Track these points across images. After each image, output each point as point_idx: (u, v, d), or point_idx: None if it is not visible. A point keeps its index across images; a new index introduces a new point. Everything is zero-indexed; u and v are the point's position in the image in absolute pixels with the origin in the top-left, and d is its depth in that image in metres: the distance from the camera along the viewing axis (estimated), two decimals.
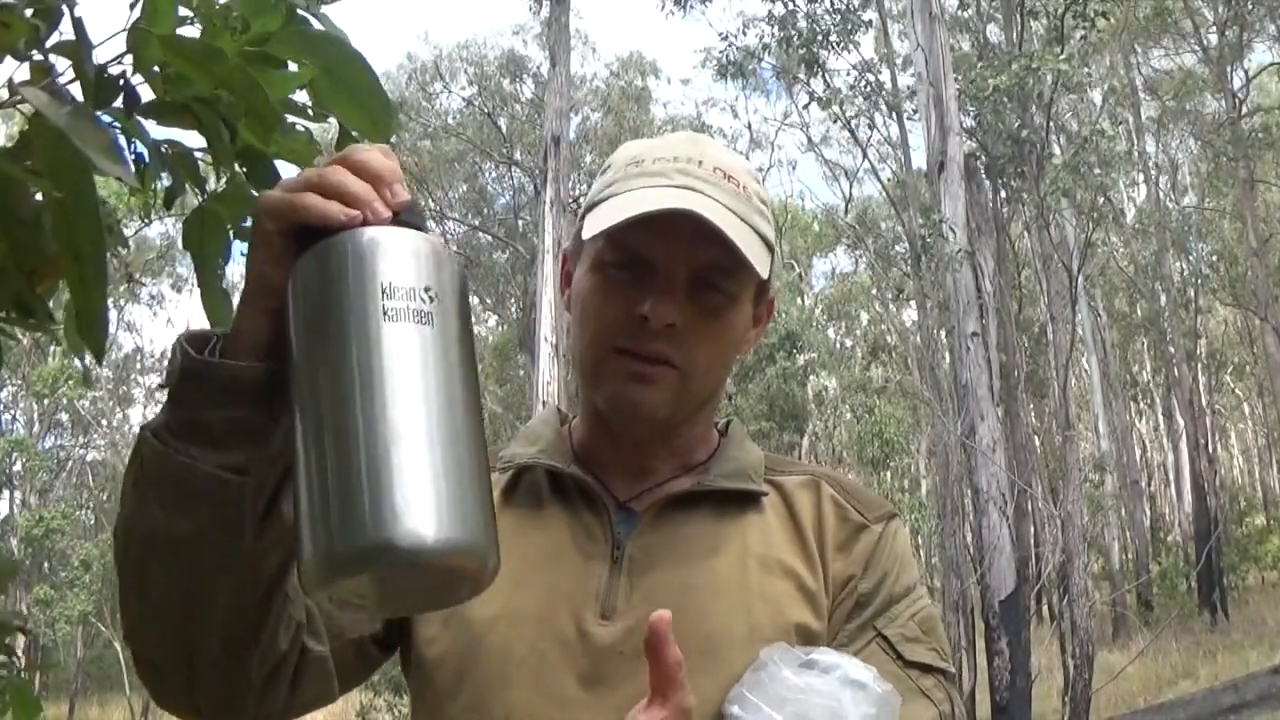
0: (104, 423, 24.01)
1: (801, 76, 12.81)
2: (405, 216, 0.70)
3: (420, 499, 0.60)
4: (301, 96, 1.10)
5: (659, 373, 0.94)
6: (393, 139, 1.14)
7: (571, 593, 0.94)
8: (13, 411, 23.76)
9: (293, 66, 1.02)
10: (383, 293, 0.65)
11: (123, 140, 1.14)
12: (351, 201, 0.68)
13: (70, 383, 18.90)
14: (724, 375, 1.03)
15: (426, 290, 0.66)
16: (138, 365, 24.96)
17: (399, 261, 0.67)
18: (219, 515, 0.75)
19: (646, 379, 0.94)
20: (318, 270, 0.67)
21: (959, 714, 0.95)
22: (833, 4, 12.12)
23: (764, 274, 0.94)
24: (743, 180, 0.98)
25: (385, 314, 0.65)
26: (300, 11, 1.02)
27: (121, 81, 1.03)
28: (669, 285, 0.93)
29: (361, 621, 0.94)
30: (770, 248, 0.97)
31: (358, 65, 0.97)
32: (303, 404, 0.66)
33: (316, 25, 1.03)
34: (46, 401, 20.85)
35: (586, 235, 0.95)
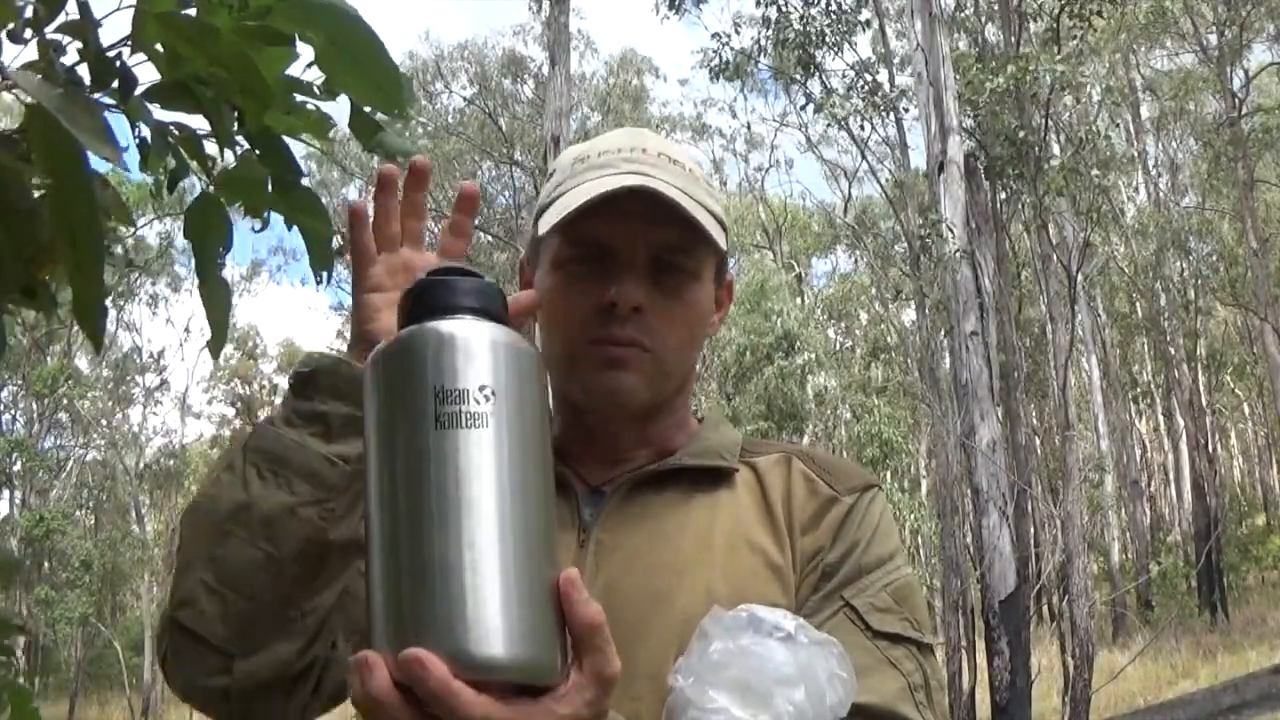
0: (104, 423, 24.02)
1: (798, 77, 12.81)
2: (466, 301, 0.67)
3: (468, 617, 0.59)
4: (312, 74, 1.08)
5: (632, 355, 0.95)
6: (410, 111, 1.13)
7: None
8: (13, 411, 23.76)
9: (301, 43, 1.01)
10: (435, 398, 0.63)
11: (126, 124, 1.13)
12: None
13: (70, 383, 18.91)
14: (695, 355, 1.03)
15: (482, 389, 0.63)
16: (135, 365, 24.95)
17: (452, 360, 0.64)
18: (316, 496, 0.80)
19: (621, 363, 0.95)
20: (376, 372, 0.66)
21: (934, 685, 0.93)
22: (827, 6, 12.11)
23: (722, 244, 0.96)
24: (688, 164, 1.00)
25: (437, 421, 0.62)
26: None
27: (118, 64, 1.03)
28: (630, 268, 0.95)
29: None
30: (722, 225, 0.99)
31: (362, 35, 0.95)
32: (369, 498, 0.65)
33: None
34: (46, 401, 20.85)
35: (542, 229, 0.97)
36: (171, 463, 26.26)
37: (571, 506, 0.97)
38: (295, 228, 1.24)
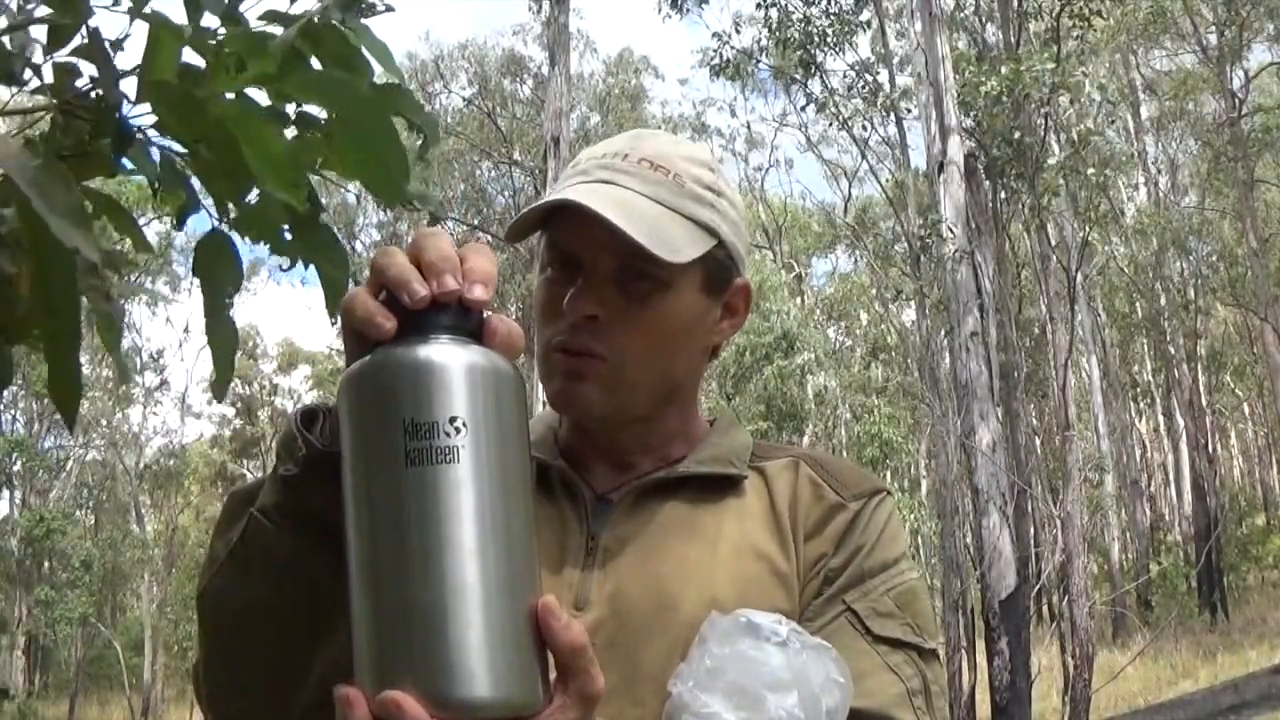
0: (104, 423, 24.00)
1: (798, 77, 12.81)
2: (445, 320, 0.64)
3: (446, 660, 0.59)
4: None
5: (587, 365, 0.95)
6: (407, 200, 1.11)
7: (549, 586, 0.94)
8: (13, 411, 23.75)
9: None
10: (405, 433, 0.61)
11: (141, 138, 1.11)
12: (399, 288, 0.65)
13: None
14: (670, 364, 1.00)
15: (452, 421, 0.61)
16: (135, 365, 24.93)
17: (423, 390, 0.62)
18: (323, 601, 0.76)
19: (577, 374, 0.95)
20: (347, 402, 0.64)
21: (934, 690, 0.93)
22: (828, 6, 12.11)
23: (675, 257, 0.92)
24: (676, 168, 0.97)
25: (408, 458, 0.60)
26: (335, 24, 0.98)
27: (118, 116, 1.01)
28: (591, 278, 0.94)
29: None
30: (711, 232, 0.96)
31: (375, 115, 0.90)
32: (348, 530, 0.64)
33: (352, 37, 0.98)
34: (46, 401, 20.83)
35: (508, 241, 1.01)
36: (171, 463, 26.26)
37: (580, 514, 0.97)
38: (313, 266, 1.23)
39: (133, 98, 1.00)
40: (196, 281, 1.15)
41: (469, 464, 0.61)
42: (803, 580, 0.95)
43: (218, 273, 1.15)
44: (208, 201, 1.19)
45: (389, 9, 1.18)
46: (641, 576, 0.93)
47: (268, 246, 1.20)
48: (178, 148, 1.10)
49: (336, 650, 0.78)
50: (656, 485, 0.98)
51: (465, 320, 0.65)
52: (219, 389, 1.21)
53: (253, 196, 1.16)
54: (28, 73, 1.04)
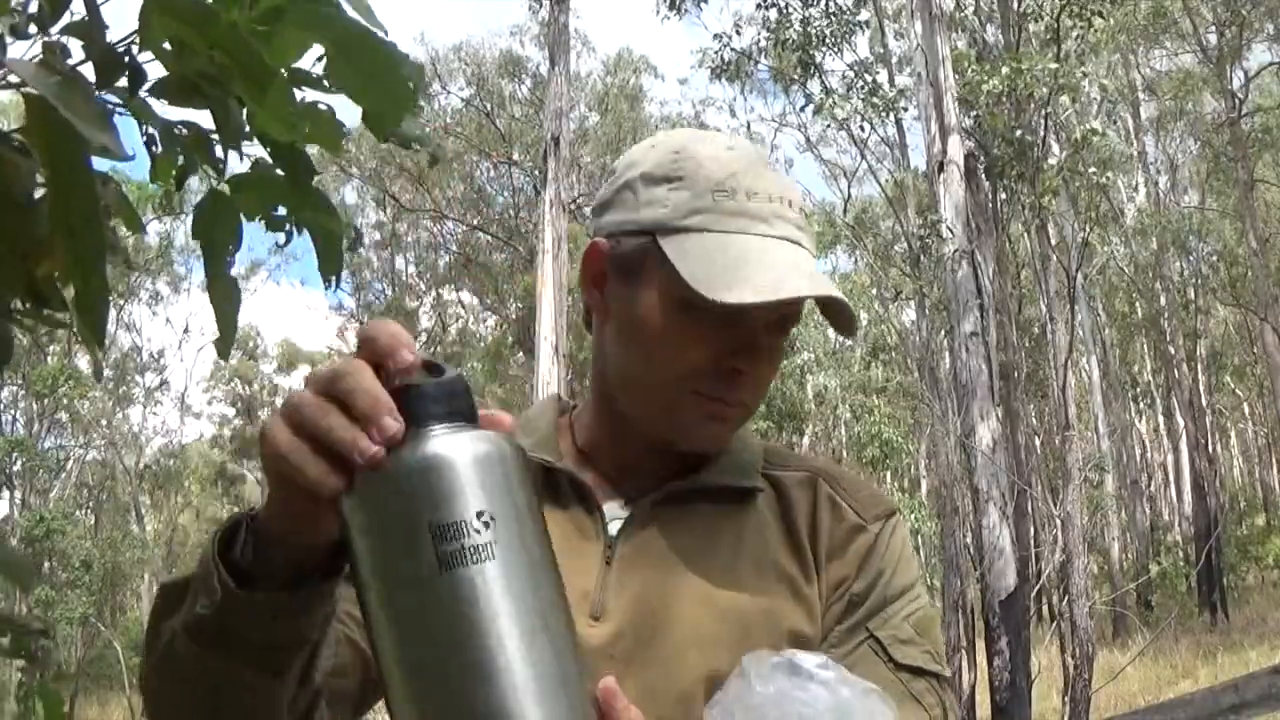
0: (104, 423, 24.01)
1: (797, 78, 12.81)
2: (434, 409, 0.61)
3: None
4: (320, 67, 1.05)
5: (735, 413, 0.96)
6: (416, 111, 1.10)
7: None
8: (13, 411, 23.75)
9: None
10: (433, 538, 0.57)
11: (135, 128, 1.11)
12: (348, 451, 0.59)
13: (70, 383, 18.90)
14: None
15: (479, 516, 0.58)
16: (135, 364, 24.94)
17: (442, 490, 0.58)
18: (254, 709, 0.73)
19: (724, 419, 0.95)
20: (358, 516, 0.60)
21: (952, 718, 0.93)
22: (827, 7, 12.11)
23: (856, 329, 0.96)
24: (798, 204, 0.96)
25: (441, 564, 0.57)
26: None
27: (127, 59, 1.01)
28: (757, 339, 0.93)
29: None
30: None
31: (371, 42, 0.92)
32: (380, 654, 0.60)
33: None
34: (46, 401, 20.84)
35: (711, 295, 0.87)
36: (171, 463, 26.28)
37: (596, 521, 0.96)
38: (304, 229, 1.22)
39: (128, 52, 1.00)
40: (197, 281, 1.16)
41: (504, 558, 0.58)
42: (825, 602, 0.94)
43: (218, 232, 1.15)
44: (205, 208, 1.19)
45: None
46: (660, 587, 0.92)
47: (262, 222, 1.20)
48: (173, 116, 1.10)
49: None
50: (676, 495, 0.97)
51: (461, 401, 0.62)
52: (223, 347, 1.20)
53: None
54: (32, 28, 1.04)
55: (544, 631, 0.59)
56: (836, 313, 0.93)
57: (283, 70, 1.02)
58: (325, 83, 1.07)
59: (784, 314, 0.94)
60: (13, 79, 0.93)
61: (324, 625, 0.73)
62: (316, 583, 0.69)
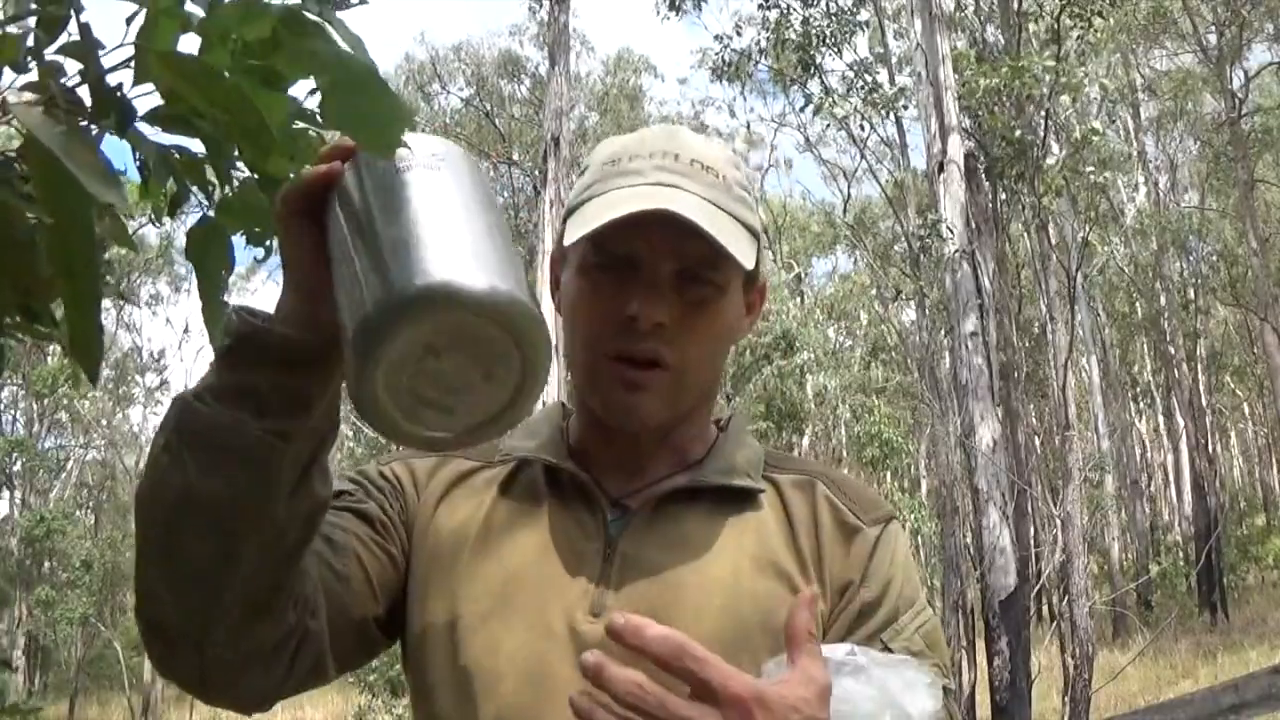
0: (104, 423, 24.02)
1: (797, 78, 12.81)
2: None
3: (467, 258, 0.72)
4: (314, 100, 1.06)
5: (651, 377, 0.94)
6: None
7: (564, 590, 0.93)
8: (13, 411, 23.76)
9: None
10: (397, 169, 0.77)
11: (128, 145, 1.12)
12: (337, 154, 0.79)
13: (70, 383, 18.90)
14: (719, 367, 1.02)
15: (434, 155, 0.78)
16: (135, 364, 24.94)
17: (402, 156, 0.78)
18: (257, 479, 0.77)
19: (640, 386, 0.94)
20: (347, 186, 0.78)
21: None
22: (828, 7, 12.11)
23: (748, 263, 0.92)
24: (722, 170, 0.97)
25: (398, 170, 0.77)
26: (310, 16, 0.99)
27: (119, 94, 1.01)
28: (655, 283, 0.93)
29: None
30: (755, 234, 0.97)
31: (365, 79, 0.91)
32: (347, 223, 0.76)
33: (330, 31, 1.00)
34: (46, 401, 20.86)
35: (568, 241, 0.94)
36: None
37: (596, 519, 0.97)
38: None
39: (119, 89, 1.01)
40: (198, 294, 1.18)
41: (453, 175, 0.78)
42: (830, 606, 0.94)
43: (211, 258, 1.18)
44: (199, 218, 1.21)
45: (363, 1, 1.19)
46: (661, 586, 0.92)
47: (245, 238, 1.22)
48: (164, 141, 1.11)
49: (274, 532, 0.79)
50: (676, 493, 0.97)
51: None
52: None
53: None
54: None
55: (498, 229, 0.76)
56: (690, 233, 0.91)
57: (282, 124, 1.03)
58: (319, 119, 1.09)
59: (684, 261, 0.93)
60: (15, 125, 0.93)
61: (324, 417, 0.81)
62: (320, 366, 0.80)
